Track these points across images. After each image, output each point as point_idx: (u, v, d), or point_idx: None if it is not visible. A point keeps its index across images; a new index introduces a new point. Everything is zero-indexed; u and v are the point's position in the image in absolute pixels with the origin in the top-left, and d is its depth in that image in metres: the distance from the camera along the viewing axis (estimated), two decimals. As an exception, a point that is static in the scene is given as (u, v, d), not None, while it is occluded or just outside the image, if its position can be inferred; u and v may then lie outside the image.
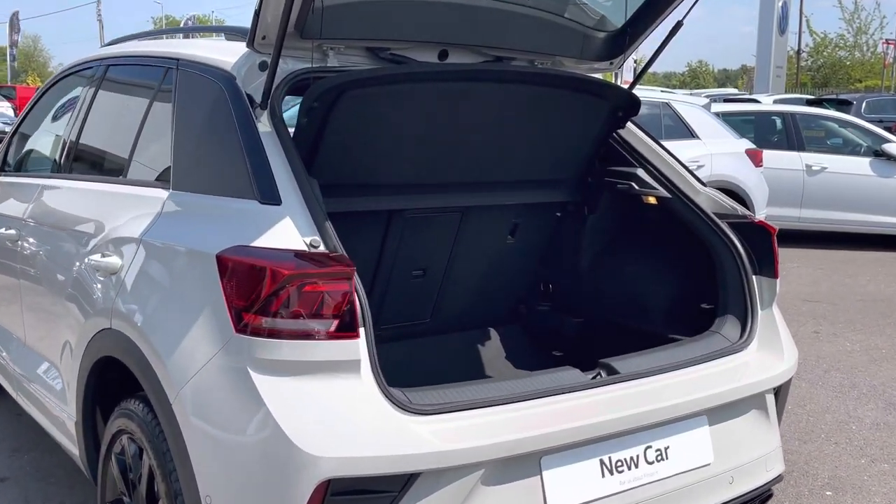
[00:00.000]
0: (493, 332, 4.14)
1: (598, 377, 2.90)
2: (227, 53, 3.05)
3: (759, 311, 3.32)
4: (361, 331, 2.40)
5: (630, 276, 3.83)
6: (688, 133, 10.09)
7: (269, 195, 2.60)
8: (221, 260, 2.49)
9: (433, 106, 3.23)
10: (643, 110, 10.42)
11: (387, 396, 2.43)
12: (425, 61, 3.20)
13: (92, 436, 3.24)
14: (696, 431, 2.93)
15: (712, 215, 3.46)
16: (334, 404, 2.37)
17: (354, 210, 3.36)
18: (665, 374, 2.96)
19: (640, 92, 11.42)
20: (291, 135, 2.82)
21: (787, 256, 10.39)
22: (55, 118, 4.34)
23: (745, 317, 3.31)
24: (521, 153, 3.60)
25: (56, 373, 3.58)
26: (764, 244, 3.37)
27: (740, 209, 3.49)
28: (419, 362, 3.84)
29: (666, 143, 10.70)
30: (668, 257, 3.75)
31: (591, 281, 3.95)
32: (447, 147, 3.39)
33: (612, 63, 3.71)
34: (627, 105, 3.59)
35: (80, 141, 3.85)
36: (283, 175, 2.64)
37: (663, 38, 3.51)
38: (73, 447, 3.41)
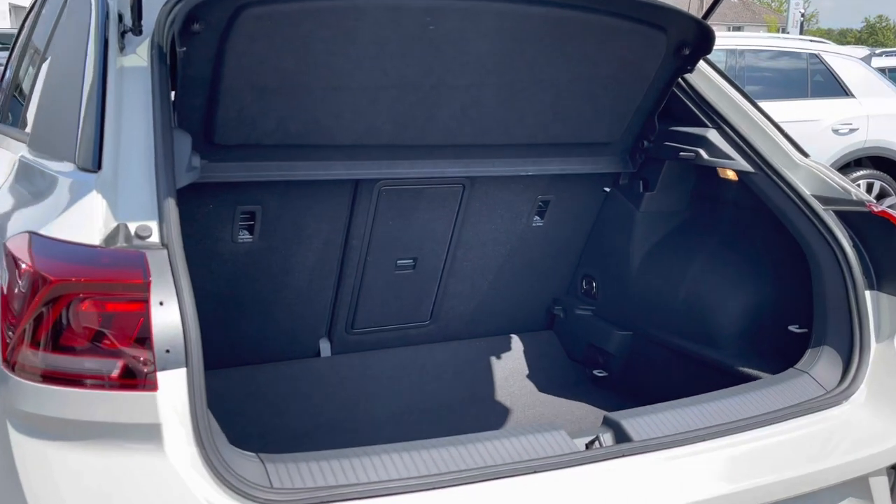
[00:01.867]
0: (517, 341, 3.19)
1: (595, 445, 1.93)
2: None
3: (873, 344, 2.24)
4: (168, 377, 1.53)
5: (696, 278, 2.78)
6: (840, 90, 8.54)
7: (89, 157, 1.77)
8: (6, 253, 1.68)
9: (410, 35, 2.28)
10: (787, 63, 9.06)
11: (217, 477, 1.55)
12: None
13: None
14: (748, 536, 1.91)
15: (811, 200, 2.38)
16: (119, 491, 1.51)
17: (303, 179, 2.48)
18: (705, 443, 1.95)
19: (786, 41, 9.84)
20: None
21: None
22: (15, 58, 3.67)
23: (849, 351, 2.26)
24: (546, 106, 2.60)
25: None
26: (888, 245, 2.28)
27: (855, 192, 2.38)
28: (407, 380, 2.95)
29: (814, 102, 9.15)
30: (748, 256, 2.69)
31: (644, 281, 2.93)
32: (438, 95, 2.43)
33: None
34: (697, 39, 2.53)
35: (14, 85, 3.17)
36: (132, 129, 1.81)
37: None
38: None
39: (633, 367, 2.97)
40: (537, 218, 2.97)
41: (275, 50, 2.13)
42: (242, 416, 2.66)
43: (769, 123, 2.60)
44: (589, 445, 1.93)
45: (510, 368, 3.10)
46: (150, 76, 1.95)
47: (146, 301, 1.51)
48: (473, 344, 3.10)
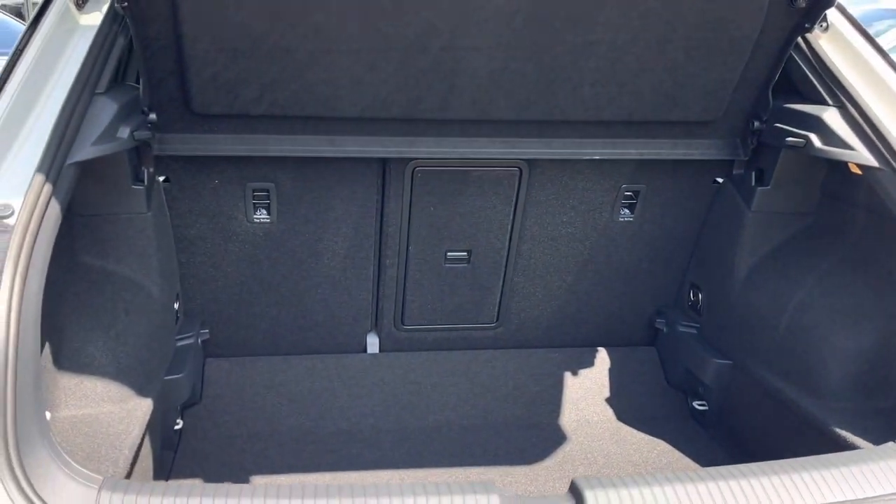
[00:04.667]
0: (604, 355, 2.67)
1: None
2: None
3: None
4: None
5: (803, 303, 2.13)
6: None
7: None
8: None
9: None
10: None
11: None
12: None
13: None
14: None
15: None
16: None
17: (305, 155, 2.18)
18: None
19: None
20: None
21: None
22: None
23: None
24: (606, 75, 2.06)
25: None
26: None
27: None
28: (454, 389, 2.56)
29: None
30: (877, 281, 2.01)
31: (747, 300, 2.30)
32: (453, 60, 1.98)
33: None
34: None
35: None
36: (56, 94, 1.65)
37: None
38: None
39: (730, 404, 2.37)
40: (626, 211, 2.44)
41: (237, 6, 1.84)
42: (258, 410, 2.45)
43: (920, 101, 1.89)
44: None
45: (588, 388, 2.60)
46: (101, 36, 1.81)
47: None
48: (549, 354, 2.65)
